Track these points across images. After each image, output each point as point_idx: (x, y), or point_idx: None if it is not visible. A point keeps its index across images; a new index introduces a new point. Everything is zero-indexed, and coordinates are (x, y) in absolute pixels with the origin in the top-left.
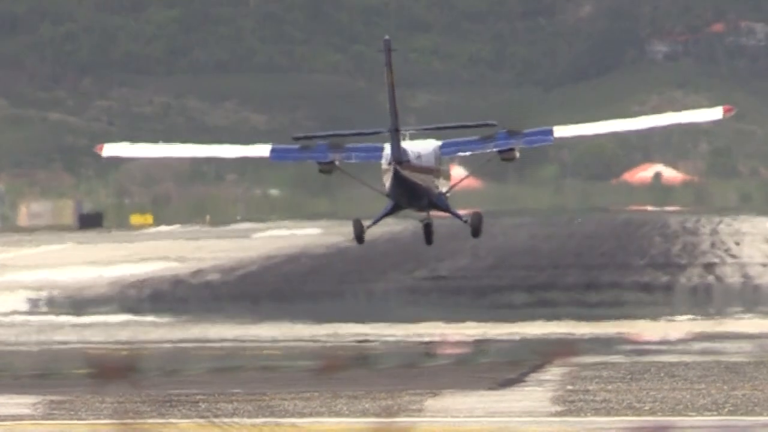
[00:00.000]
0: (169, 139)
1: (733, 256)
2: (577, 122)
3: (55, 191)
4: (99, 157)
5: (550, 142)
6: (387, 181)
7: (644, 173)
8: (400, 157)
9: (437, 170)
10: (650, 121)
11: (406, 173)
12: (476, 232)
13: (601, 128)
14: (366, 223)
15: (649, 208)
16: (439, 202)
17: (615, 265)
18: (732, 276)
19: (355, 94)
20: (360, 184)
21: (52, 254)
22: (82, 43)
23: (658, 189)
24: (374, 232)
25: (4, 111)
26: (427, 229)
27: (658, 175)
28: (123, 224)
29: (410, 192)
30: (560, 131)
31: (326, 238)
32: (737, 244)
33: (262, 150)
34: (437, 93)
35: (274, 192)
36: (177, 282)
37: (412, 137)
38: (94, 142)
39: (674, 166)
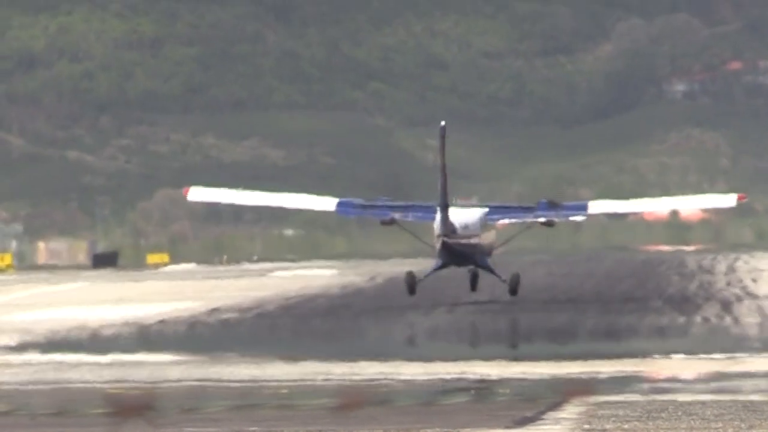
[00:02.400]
0: (186, 177)
1: (750, 294)
2: (597, 161)
3: (72, 231)
4: (116, 196)
5: (584, 217)
6: (437, 242)
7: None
8: (448, 232)
9: (482, 235)
10: (672, 204)
11: (454, 243)
12: (513, 291)
13: (630, 207)
14: (418, 275)
15: (666, 247)
16: (482, 263)
17: (632, 304)
18: (749, 314)
19: (373, 130)
20: (368, 222)
21: (67, 293)
22: (99, 81)
23: (675, 226)
24: (393, 270)
25: (22, 149)
26: (474, 278)
27: (675, 213)
28: (139, 263)
29: (458, 257)
30: (594, 207)
31: (343, 278)
32: (754, 281)
33: (329, 203)
34: (455, 131)
35: (288, 232)
36: (193, 321)
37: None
38: (111, 180)
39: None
